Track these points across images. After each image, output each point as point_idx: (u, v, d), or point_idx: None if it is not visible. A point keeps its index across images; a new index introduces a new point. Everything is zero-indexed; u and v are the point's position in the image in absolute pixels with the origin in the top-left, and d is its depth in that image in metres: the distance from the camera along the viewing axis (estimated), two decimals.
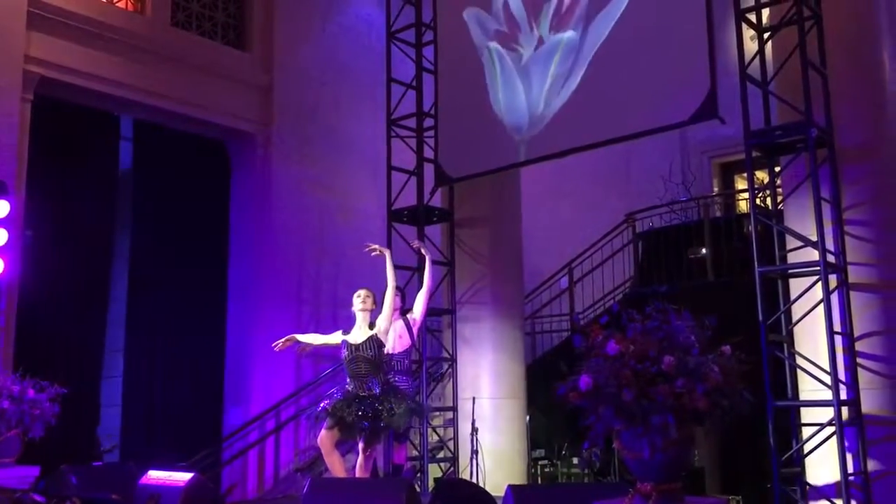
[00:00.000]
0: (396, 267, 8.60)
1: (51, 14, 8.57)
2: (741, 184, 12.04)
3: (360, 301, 6.33)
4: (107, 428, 9.86)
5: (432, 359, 9.04)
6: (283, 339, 6.49)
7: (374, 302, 6.41)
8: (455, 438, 8.50)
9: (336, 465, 6.17)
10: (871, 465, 5.97)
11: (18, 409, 6.57)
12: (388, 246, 8.81)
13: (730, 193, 11.94)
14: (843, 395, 6.01)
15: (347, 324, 6.55)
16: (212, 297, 10.08)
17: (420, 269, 8.57)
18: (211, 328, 10.01)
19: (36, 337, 8.41)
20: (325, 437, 6.13)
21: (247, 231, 10.20)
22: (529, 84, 7.88)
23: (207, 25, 10.24)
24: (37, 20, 8.46)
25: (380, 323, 6.24)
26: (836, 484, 5.89)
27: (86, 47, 8.84)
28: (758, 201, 6.97)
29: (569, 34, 7.55)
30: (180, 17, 9.97)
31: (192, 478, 5.85)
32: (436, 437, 8.78)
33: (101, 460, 9.30)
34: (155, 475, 5.93)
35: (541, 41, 7.85)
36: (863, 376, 6.10)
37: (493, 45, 8.26)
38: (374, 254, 6.68)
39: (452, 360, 8.68)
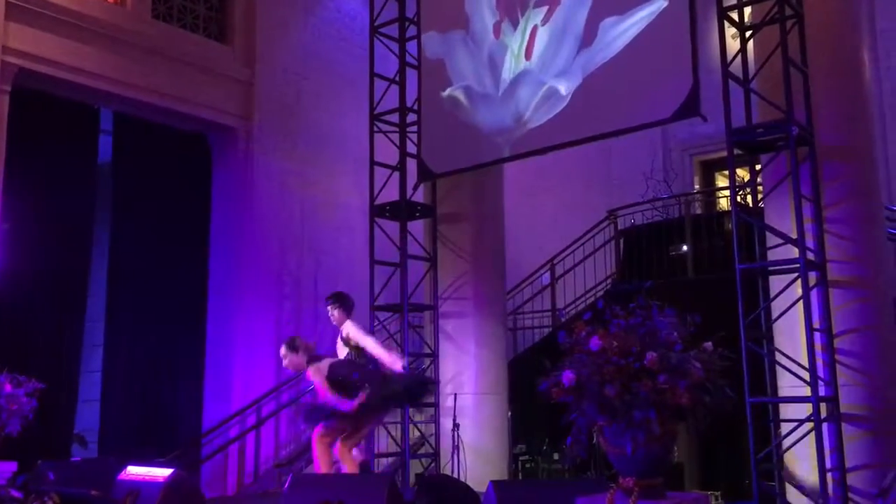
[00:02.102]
0: (378, 262, 8.68)
1: (30, 4, 8.45)
2: (722, 181, 12.11)
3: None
4: (86, 423, 9.79)
5: (414, 354, 9.02)
6: None
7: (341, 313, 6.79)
8: (436, 434, 8.51)
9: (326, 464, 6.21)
10: (849, 461, 6.03)
11: None
12: (371, 241, 8.83)
13: (711, 191, 12.01)
14: (822, 392, 6.07)
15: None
16: (192, 291, 10.01)
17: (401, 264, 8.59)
18: (191, 323, 9.94)
19: (13, 331, 8.32)
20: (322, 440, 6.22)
21: (228, 225, 10.13)
22: (517, 99, 7.84)
23: (189, 18, 10.16)
24: (15, 10, 8.35)
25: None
26: (815, 479, 5.94)
27: (65, 38, 8.74)
28: (739, 199, 7.02)
29: (570, 80, 7.50)
30: (161, 10, 9.88)
31: (172, 473, 5.82)
32: (417, 433, 8.78)
33: (73, 454, 9.24)
34: (134, 471, 5.89)
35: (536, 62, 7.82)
36: (841, 373, 6.16)
37: (447, 93, 8.37)
38: None
39: (434, 356, 8.67)
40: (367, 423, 6.36)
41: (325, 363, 6.27)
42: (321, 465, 6.23)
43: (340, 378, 6.16)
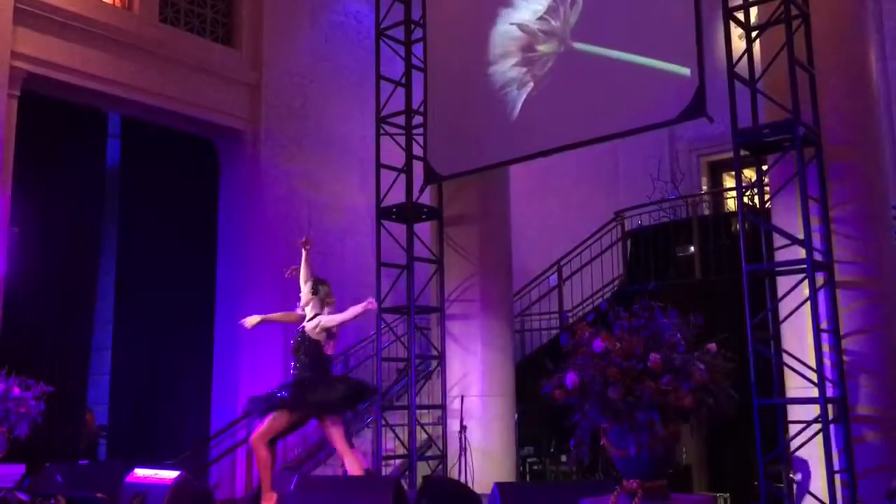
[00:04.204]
0: (384, 265, 8.68)
1: (38, 10, 8.52)
2: (729, 182, 12.06)
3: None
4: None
5: (420, 356, 9.02)
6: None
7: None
8: (443, 436, 8.50)
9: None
10: (857, 462, 5.99)
11: (3, 407, 6.55)
12: (377, 244, 8.82)
13: (718, 192, 11.96)
14: (830, 393, 6.03)
15: None
16: (200, 294, 10.05)
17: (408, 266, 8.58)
18: (199, 325, 9.98)
19: (22, 334, 8.37)
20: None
21: (235, 228, 10.17)
22: (526, 103, 7.86)
23: (196, 22, 10.20)
24: (24, 16, 8.42)
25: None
26: (823, 481, 5.91)
27: (73, 43, 8.80)
28: (746, 199, 6.98)
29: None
30: (168, 14, 9.93)
31: (179, 476, 5.84)
32: (424, 435, 8.77)
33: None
34: (141, 473, 5.92)
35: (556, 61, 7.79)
36: (849, 374, 6.12)
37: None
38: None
39: (441, 358, 8.67)
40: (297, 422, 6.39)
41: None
42: (350, 460, 6.25)
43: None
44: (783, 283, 6.46)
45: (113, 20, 9.21)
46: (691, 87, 6.57)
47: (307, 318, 6.45)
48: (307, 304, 6.50)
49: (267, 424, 6.27)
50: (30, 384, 6.78)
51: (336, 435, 6.27)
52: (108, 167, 9.95)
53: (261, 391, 9.48)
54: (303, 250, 6.65)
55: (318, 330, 6.36)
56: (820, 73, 6.49)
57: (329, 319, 6.43)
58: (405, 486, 6.34)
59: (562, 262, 10.86)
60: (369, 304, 6.57)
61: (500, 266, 8.87)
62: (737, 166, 6.53)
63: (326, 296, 6.54)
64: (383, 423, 8.42)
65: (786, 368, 6.37)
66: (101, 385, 9.97)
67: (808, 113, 6.37)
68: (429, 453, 8.65)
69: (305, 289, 6.49)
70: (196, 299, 10.03)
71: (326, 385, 6.31)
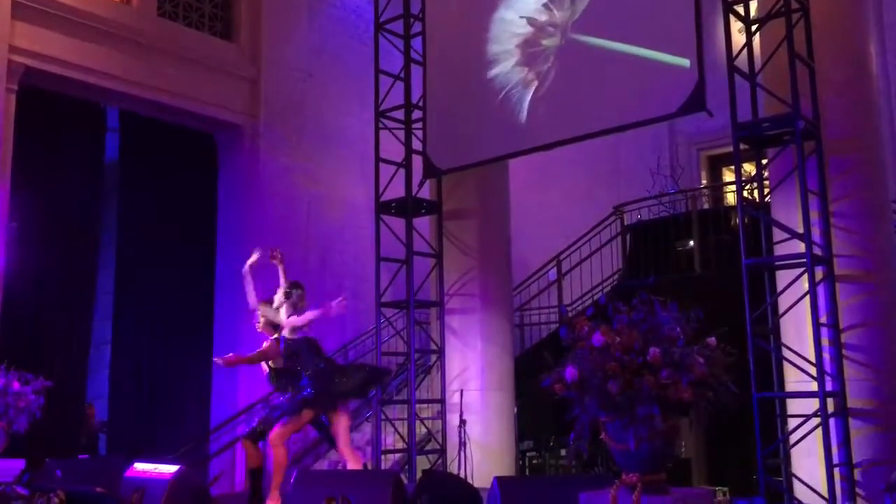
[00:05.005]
0: (383, 259, 8.67)
1: (36, 4, 8.51)
2: (729, 176, 12.06)
3: None
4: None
5: (420, 351, 9.02)
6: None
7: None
8: (443, 430, 8.50)
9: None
10: (856, 456, 6.00)
11: (3, 402, 6.54)
12: (377, 238, 8.82)
13: (718, 186, 11.96)
14: (829, 387, 6.04)
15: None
16: (199, 289, 10.04)
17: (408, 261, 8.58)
18: (198, 320, 9.98)
19: (21, 329, 8.37)
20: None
21: (234, 223, 10.16)
22: (525, 97, 7.84)
23: (194, 16, 10.18)
24: (22, 10, 8.40)
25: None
26: (821, 474, 5.92)
27: (72, 37, 8.78)
28: (745, 193, 6.98)
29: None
30: (167, 8, 9.92)
31: (178, 470, 5.84)
32: (423, 430, 8.78)
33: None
34: (141, 468, 5.92)
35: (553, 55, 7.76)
36: (848, 367, 6.13)
37: None
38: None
39: (440, 352, 8.67)
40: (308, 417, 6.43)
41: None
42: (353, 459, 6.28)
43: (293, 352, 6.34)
44: (783, 277, 6.46)
45: (111, 14, 9.19)
46: (691, 81, 6.56)
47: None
48: (279, 307, 6.53)
49: (289, 424, 6.29)
50: (29, 379, 6.77)
51: (342, 429, 6.29)
52: (107, 161, 9.93)
53: (261, 388, 9.56)
54: (277, 266, 6.65)
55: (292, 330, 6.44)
56: (820, 66, 6.48)
57: (294, 321, 6.48)
58: (404, 481, 6.35)
59: (561, 257, 10.86)
60: (328, 308, 6.47)
61: (500, 260, 8.87)
62: (736, 160, 6.53)
63: (299, 299, 6.56)
64: (383, 417, 8.43)
65: (785, 362, 6.37)
66: (100, 380, 9.98)
67: (807, 107, 6.36)
68: (428, 447, 8.67)
69: (279, 293, 6.54)
70: (195, 293, 10.03)
71: (343, 374, 6.37)
